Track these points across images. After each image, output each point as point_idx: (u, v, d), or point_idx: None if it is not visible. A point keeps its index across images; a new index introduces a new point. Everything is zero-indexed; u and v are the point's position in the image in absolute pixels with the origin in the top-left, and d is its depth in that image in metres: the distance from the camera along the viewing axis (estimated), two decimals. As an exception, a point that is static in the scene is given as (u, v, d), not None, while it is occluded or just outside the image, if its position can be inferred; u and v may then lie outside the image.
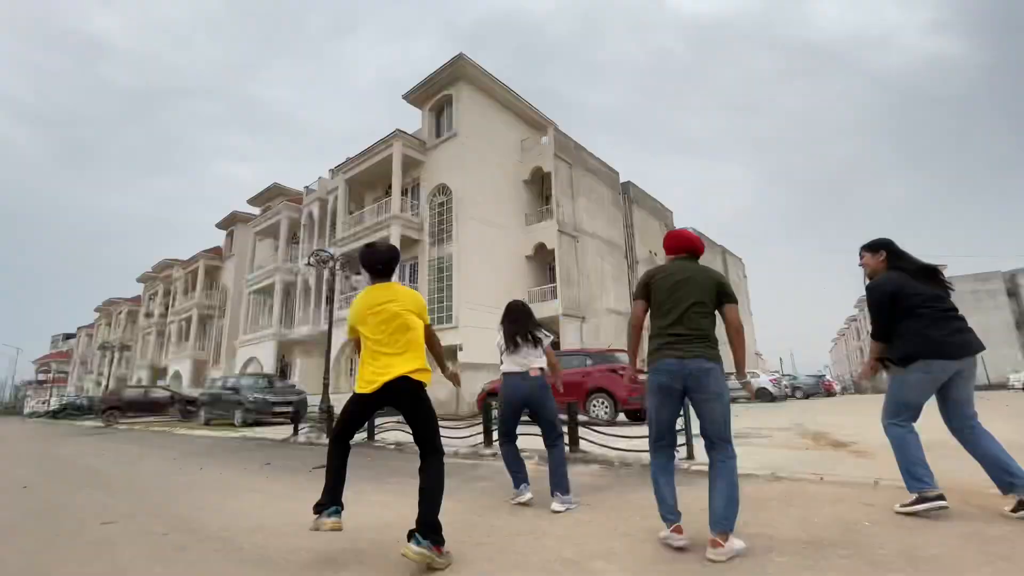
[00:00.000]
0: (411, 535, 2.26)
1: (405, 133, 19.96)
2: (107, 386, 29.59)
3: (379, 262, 2.70)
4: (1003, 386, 31.22)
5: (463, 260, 17.74)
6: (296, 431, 9.40)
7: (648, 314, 2.65)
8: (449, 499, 3.75)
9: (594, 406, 9.12)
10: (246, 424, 12.50)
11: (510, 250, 19.82)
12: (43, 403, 42.55)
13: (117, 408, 18.57)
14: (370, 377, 2.52)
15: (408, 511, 2.50)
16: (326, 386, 10.23)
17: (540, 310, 19.30)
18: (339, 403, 12.29)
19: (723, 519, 2.22)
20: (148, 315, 39.91)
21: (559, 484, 3.35)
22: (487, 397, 9.62)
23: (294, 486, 4.68)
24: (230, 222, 33.21)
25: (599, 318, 20.95)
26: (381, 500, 3.82)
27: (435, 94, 20.40)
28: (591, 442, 5.20)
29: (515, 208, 20.85)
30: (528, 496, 3.50)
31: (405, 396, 2.52)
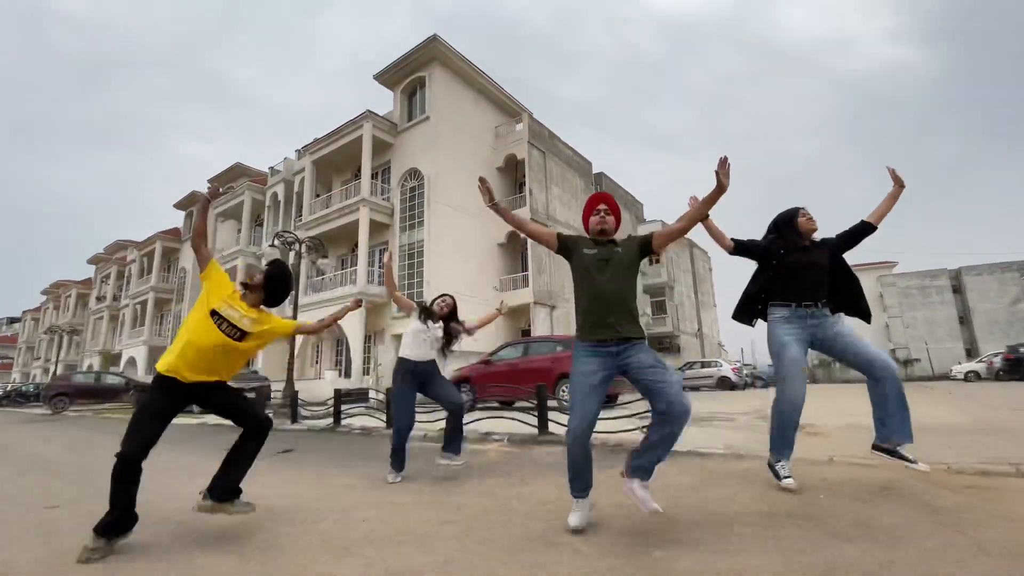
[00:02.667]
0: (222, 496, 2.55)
1: (376, 114, 19.47)
2: (55, 372, 28.15)
3: (286, 293, 2.80)
4: (946, 376, 33.13)
5: (434, 246, 17.53)
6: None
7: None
8: (419, 480, 3.73)
9: (563, 391, 9.19)
10: (205, 411, 12.08)
11: (482, 237, 19.69)
12: (-16, 389, 40.15)
13: (65, 394, 17.65)
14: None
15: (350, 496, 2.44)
16: (290, 372, 9.96)
17: (512, 297, 19.31)
18: (305, 389, 12.09)
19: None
20: (100, 298, 38.02)
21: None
22: (458, 383, 9.59)
23: (254, 470, 4.53)
24: (189, 202, 31.85)
25: (569, 306, 21.11)
26: (345, 482, 3.74)
27: (408, 75, 19.94)
28: (559, 424, 5.23)
29: (487, 195, 20.67)
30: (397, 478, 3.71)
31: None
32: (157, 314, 31.27)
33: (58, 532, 2.68)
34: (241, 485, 2.63)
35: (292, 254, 11.30)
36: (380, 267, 19.51)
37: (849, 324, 2.98)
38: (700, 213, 2.41)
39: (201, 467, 4.51)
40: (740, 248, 3.19)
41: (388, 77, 20.38)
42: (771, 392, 3.79)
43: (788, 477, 2.89)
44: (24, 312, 58.62)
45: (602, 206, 2.56)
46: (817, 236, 3.13)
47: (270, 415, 2.62)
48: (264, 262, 23.49)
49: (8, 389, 29.57)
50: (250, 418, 2.63)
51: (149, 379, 23.17)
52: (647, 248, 2.47)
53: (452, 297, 4.10)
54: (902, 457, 2.79)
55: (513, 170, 21.60)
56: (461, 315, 4.13)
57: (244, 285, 2.65)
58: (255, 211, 25.55)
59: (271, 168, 25.18)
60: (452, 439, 3.75)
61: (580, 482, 2.36)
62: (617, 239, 2.56)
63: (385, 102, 21.39)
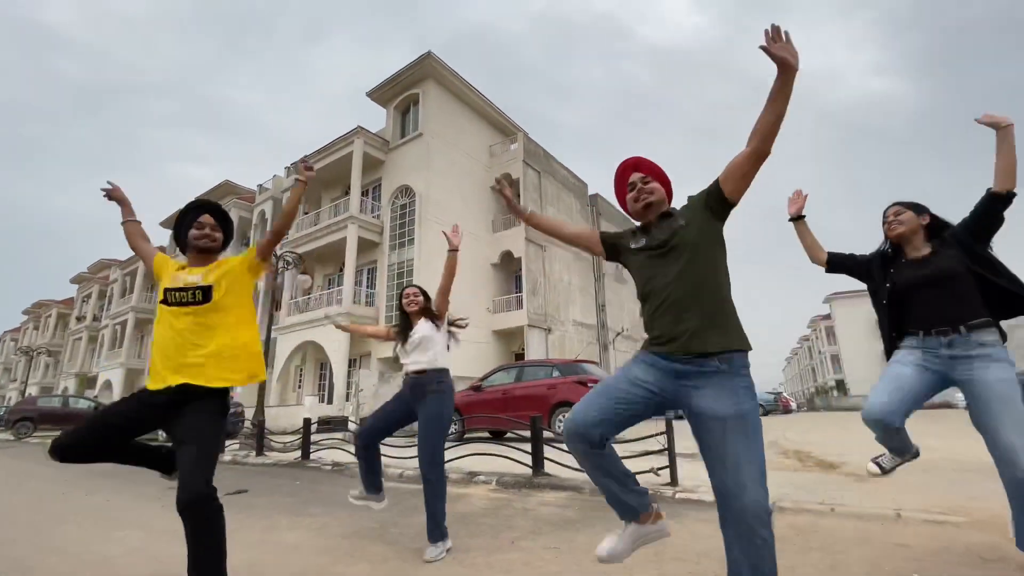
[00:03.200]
0: None
1: (367, 131, 19.02)
2: (23, 394, 26.90)
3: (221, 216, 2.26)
4: (948, 405, 32.36)
5: (425, 265, 16.84)
6: (223, 449, 8.27)
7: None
8: (380, 541, 2.90)
9: (559, 421, 8.40)
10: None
11: (476, 257, 19.04)
12: (-47, 413, 38.46)
13: (30, 419, 16.61)
14: None
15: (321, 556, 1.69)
16: (261, 396, 9.12)
17: (505, 319, 18.58)
18: (284, 416, 11.20)
19: None
20: (80, 318, 36.85)
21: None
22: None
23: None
24: (174, 221, 31.10)
25: (565, 329, 20.38)
26: (292, 540, 2.96)
27: (401, 92, 19.59)
28: (557, 463, 4.46)
29: (482, 214, 20.15)
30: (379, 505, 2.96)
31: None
32: (137, 335, 30.15)
33: None
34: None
35: (267, 273, 10.59)
36: (369, 288, 18.80)
37: (1005, 374, 1.94)
38: (775, 112, 1.44)
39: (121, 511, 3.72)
40: (835, 264, 2.48)
41: (381, 94, 20.03)
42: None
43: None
44: (3, 332, 57.05)
45: (636, 175, 1.76)
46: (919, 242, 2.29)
47: (205, 482, 1.72)
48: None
49: (-24, 413, 28.18)
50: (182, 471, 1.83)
51: (121, 403, 22.21)
52: (718, 200, 1.59)
53: (416, 286, 3.08)
54: None
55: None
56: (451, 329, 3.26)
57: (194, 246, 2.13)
58: (242, 229, 24.87)
59: (259, 186, 24.62)
60: (429, 523, 2.67)
61: (612, 500, 1.63)
62: (674, 210, 1.73)
63: (379, 121, 20.99)
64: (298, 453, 7.01)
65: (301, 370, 19.89)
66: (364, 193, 19.12)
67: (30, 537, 3.28)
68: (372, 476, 2.90)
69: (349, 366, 16.47)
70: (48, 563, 2.61)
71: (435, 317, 2.92)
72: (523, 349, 18.16)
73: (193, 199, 2.37)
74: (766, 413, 23.80)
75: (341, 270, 18.68)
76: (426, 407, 2.74)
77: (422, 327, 2.87)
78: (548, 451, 4.61)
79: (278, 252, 9.78)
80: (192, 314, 1.92)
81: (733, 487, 1.35)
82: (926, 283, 2.15)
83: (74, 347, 36.30)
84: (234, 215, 24.48)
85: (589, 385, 8.17)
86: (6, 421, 17.90)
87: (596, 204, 25.87)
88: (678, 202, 1.76)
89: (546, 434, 4.98)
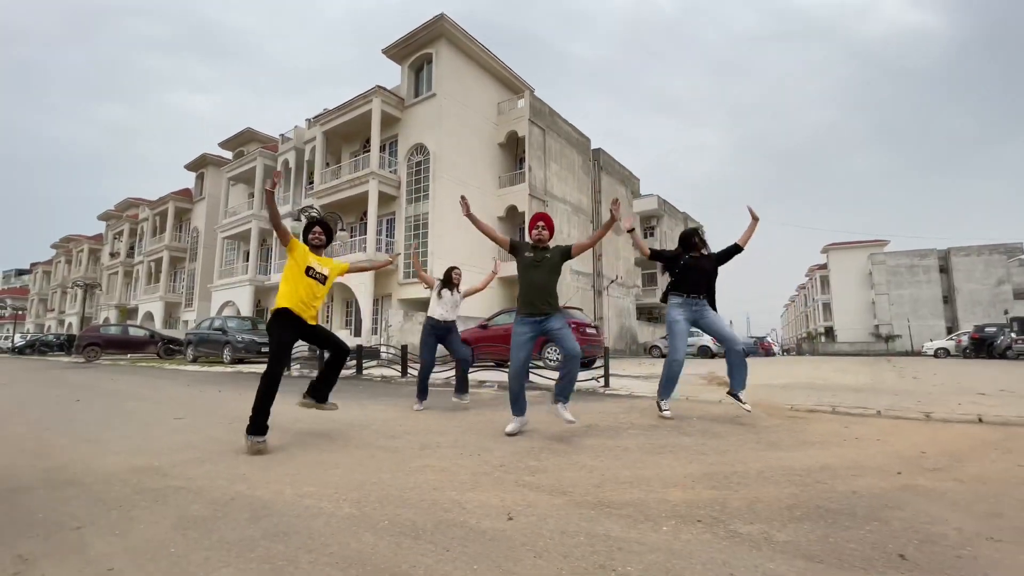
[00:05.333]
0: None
1: (385, 89, 20.36)
2: (81, 324, 29.79)
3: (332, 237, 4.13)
4: (919, 353, 34.90)
5: (438, 218, 18.81)
6: (288, 366, 10.70)
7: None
8: (434, 409, 5.25)
9: (547, 352, 10.76)
10: (235, 361, 13.70)
11: (483, 210, 20.91)
12: (4, 339, 42.01)
13: (97, 345, 19.27)
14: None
15: (387, 414, 3.92)
16: (314, 329, 11.43)
17: (510, 268, 20.71)
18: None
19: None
20: (114, 254, 39.43)
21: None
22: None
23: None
24: (200, 164, 32.79)
25: (563, 277, 22.53)
26: (381, 408, 5.28)
27: (415, 51, 20.72)
28: (540, 376, 6.78)
29: (489, 170, 21.81)
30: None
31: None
32: (171, 271, 32.73)
33: (199, 429, 4.20)
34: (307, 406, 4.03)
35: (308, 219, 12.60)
36: (389, 238, 20.81)
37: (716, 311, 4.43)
38: (598, 237, 3.91)
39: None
40: (655, 254, 4.61)
41: (396, 52, 21.13)
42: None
43: (667, 411, 4.35)
44: (33, 265, 60.02)
45: (541, 223, 3.90)
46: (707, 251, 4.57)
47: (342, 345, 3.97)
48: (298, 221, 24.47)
49: (31, 339, 31.35)
50: (337, 348, 3.94)
51: (169, 332, 24.75)
52: (567, 255, 3.87)
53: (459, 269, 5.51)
54: (739, 399, 4.26)
55: (514, 146, 22.61)
56: (464, 282, 5.55)
57: (312, 245, 3.90)
58: (267, 176, 26.63)
59: (282, 135, 26.09)
60: (460, 384, 5.25)
61: (517, 407, 3.79)
62: (549, 246, 3.89)
63: (387, 67, 22.10)
64: (352, 371, 9.40)
65: (329, 307, 22.38)
66: (382, 148, 20.71)
67: (220, 407, 5.61)
68: (424, 384, 5.26)
69: (374, 304, 18.90)
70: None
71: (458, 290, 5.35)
72: (525, 294, 20.43)
73: (308, 216, 4.41)
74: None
75: (362, 219, 20.68)
76: (456, 335, 5.15)
77: (456, 296, 5.25)
78: (534, 371, 6.92)
79: (319, 210, 11.76)
80: (315, 286, 3.81)
81: (570, 344, 3.59)
82: (697, 270, 4.38)
83: (110, 281, 39.14)
84: (259, 163, 26.19)
85: (571, 326, 10.41)
86: (77, 346, 20.72)
87: (599, 158, 27.20)
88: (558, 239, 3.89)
89: (534, 361, 7.28)
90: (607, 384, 6.30)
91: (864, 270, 53.88)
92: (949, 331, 44.90)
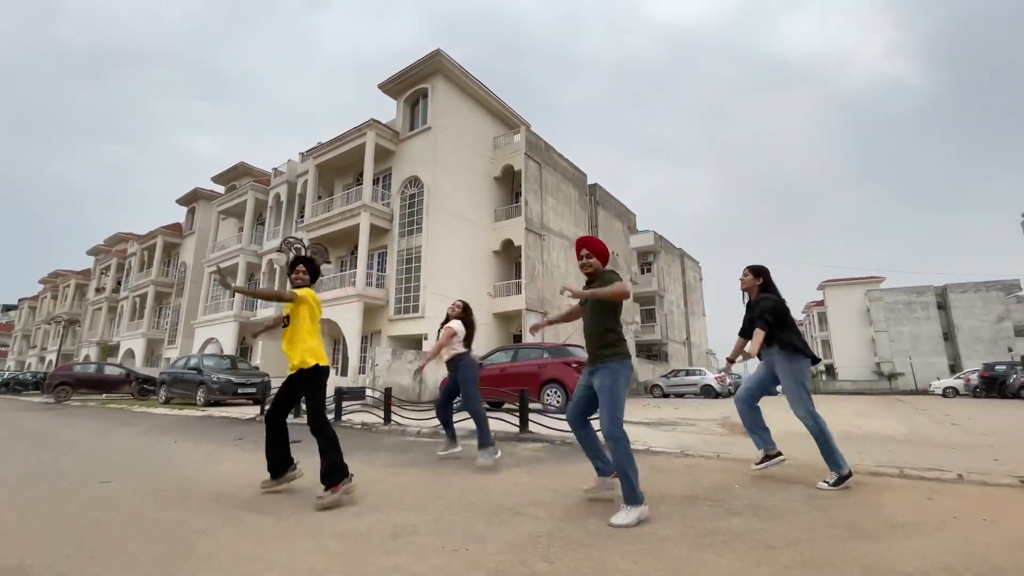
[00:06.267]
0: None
1: (379, 123, 20.14)
2: (57, 360, 28.55)
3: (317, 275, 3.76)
4: (925, 392, 34.03)
5: (431, 252, 18.20)
6: (263, 410, 9.77)
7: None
8: (414, 467, 4.41)
9: (547, 395, 9.89)
10: (209, 404, 12.70)
11: (478, 244, 20.39)
12: (-20, 377, 40.32)
13: (68, 384, 18.15)
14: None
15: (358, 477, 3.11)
16: (294, 369, 10.56)
17: (504, 303, 20.01)
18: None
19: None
20: (99, 290, 38.44)
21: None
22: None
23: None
24: (192, 199, 32.38)
25: (560, 312, 21.79)
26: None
27: (411, 86, 20.64)
28: (540, 424, 5.93)
29: (485, 204, 21.40)
30: (456, 450, 4.81)
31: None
32: (156, 307, 31.75)
33: (120, 500, 3.35)
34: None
35: (293, 256, 11.91)
36: (380, 272, 20.13)
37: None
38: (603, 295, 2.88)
39: (226, 453, 5.18)
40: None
41: (392, 87, 21.07)
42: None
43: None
44: (21, 300, 58.75)
45: (584, 251, 3.07)
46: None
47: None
48: (273, 261, 23.96)
49: (6, 377, 29.95)
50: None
51: (148, 371, 23.54)
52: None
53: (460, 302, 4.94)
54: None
55: (510, 180, 22.32)
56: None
57: (295, 285, 3.54)
58: (258, 210, 26.15)
59: (275, 169, 25.78)
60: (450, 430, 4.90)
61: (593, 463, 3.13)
62: (603, 274, 3.01)
63: (385, 105, 22.04)
64: (330, 416, 8.48)
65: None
66: (375, 181, 20.31)
67: (157, 467, 4.74)
68: (450, 429, 4.80)
69: (362, 342, 18.00)
70: (194, 476, 4.06)
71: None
72: (520, 331, 19.64)
73: (293, 248, 3.96)
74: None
75: (353, 253, 20.04)
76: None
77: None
78: (535, 417, 6.08)
79: (305, 242, 11.10)
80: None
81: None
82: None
83: (94, 316, 38.00)
84: (250, 197, 25.76)
85: (573, 366, 9.61)
86: (47, 385, 19.55)
87: (595, 193, 27.00)
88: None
89: (535, 405, 6.43)
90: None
91: (862, 307, 53.53)
92: (952, 369, 44.18)
